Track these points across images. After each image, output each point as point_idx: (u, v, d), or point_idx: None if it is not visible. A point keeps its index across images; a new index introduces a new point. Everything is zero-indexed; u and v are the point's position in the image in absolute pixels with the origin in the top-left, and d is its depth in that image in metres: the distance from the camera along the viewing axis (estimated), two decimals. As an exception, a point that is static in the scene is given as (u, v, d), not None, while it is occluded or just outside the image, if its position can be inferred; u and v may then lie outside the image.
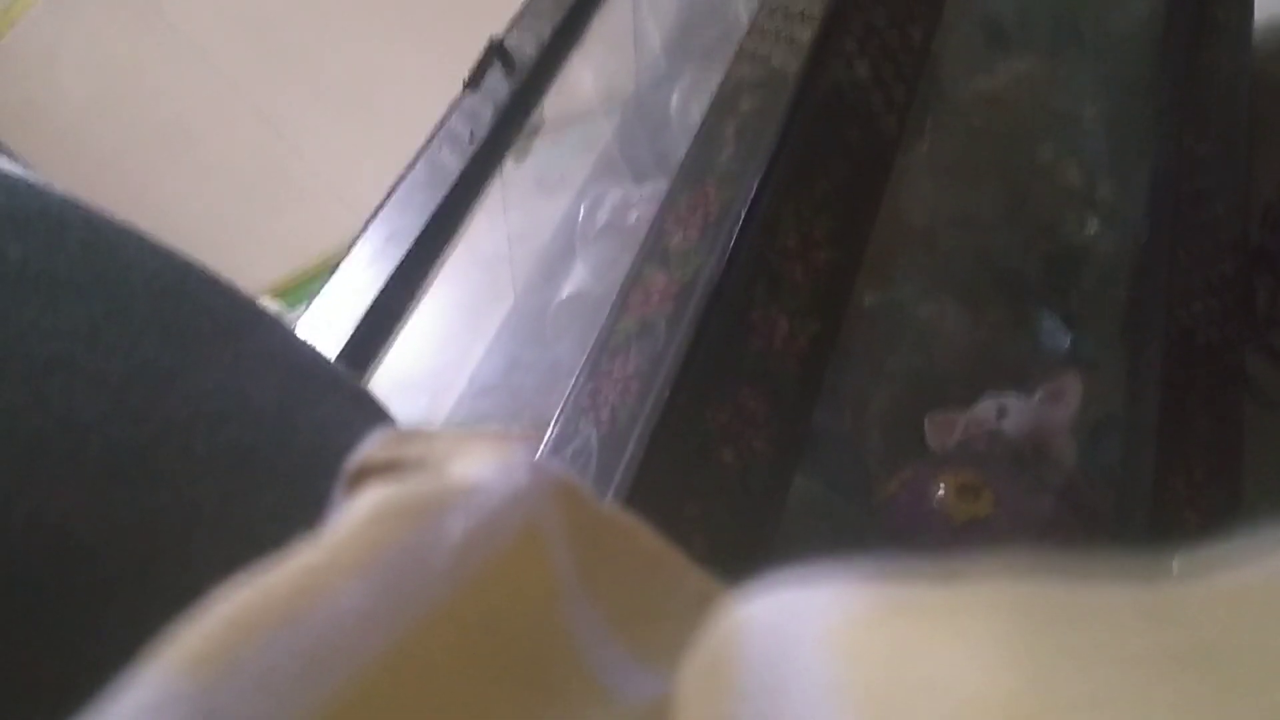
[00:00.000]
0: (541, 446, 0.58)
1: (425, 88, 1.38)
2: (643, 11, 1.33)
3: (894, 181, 0.72)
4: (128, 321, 0.29)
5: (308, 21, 2.51)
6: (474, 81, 1.13)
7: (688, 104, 1.06)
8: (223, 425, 0.29)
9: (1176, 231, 0.86)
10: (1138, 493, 0.73)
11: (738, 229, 0.60)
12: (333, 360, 0.83)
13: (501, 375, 0.92)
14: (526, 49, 1.15)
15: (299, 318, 0.99)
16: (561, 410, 0.59)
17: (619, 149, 1.18)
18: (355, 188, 1.59)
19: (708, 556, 0.51)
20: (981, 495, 0.68)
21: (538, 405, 0.77)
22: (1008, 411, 0.74)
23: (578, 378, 0.60)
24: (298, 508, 0.28)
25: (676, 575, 0.29)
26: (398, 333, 0.91)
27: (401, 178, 1.10)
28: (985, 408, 0.75)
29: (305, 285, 2.81)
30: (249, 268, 2.74)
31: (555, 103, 1.13)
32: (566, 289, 0.96)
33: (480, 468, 0.25)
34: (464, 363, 0.95)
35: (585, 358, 0.61)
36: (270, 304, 2.69)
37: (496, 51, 1.15)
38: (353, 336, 0.89)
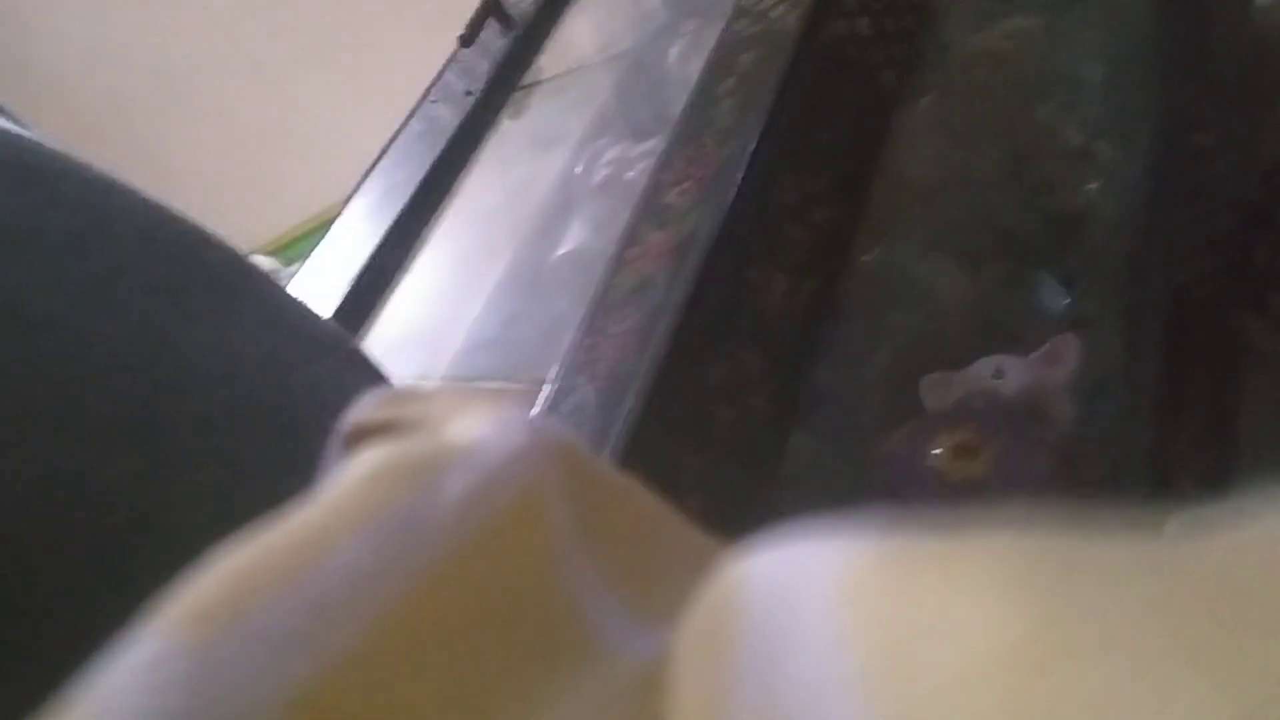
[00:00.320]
0: (539, 402, 0.58)
1: (423, 43, 1.37)
2: (641, -35, 1.32)
3: (893, 138, 0.72)
4: (120, 279, 0.29)
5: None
6: (470, 37, 1.12)
7: (687, 59, 1.05)
8: (216, 384, 0.29)
9: (1176, 190, 0.85)
10: (1135, 452, 0.73)
11: (736, 186, 0.60)
12: (328, 317, 0.83)
13: (498, 331, 0.92)
14: (523, 4, 1.14)
15: (296, 273, 0.99)
16: (559, 366, 0.59)
17: (617, 104, 1.17)
18: (353, 143, 1.59)
19: (704, 512, 0.51)
20: (978, 455, 0.68)
21: (535, 361, 0.77)
22: (1005, 371, 0.74)
23: (575, 334, 0.60)
24: (292, 466, 0.28)
25: (675, 535, 0.29)
26: (394, 288, 0.91)
27: (398, 133, 1.09)
28: (982, 366, 0.75)
29: (302, 240, 2.81)
30: (246, 222, 2.73)
31: (552, 58, 1.13)
32: (564, 245, 0.95)
33: (478, 427, 0.25)
34: (461, 318, 0.95)
35: (583, 314, 0.60)
36: (267, 259, 2.68)
37: (492, 7, 1.14)
38: (349, 292, 0.88)
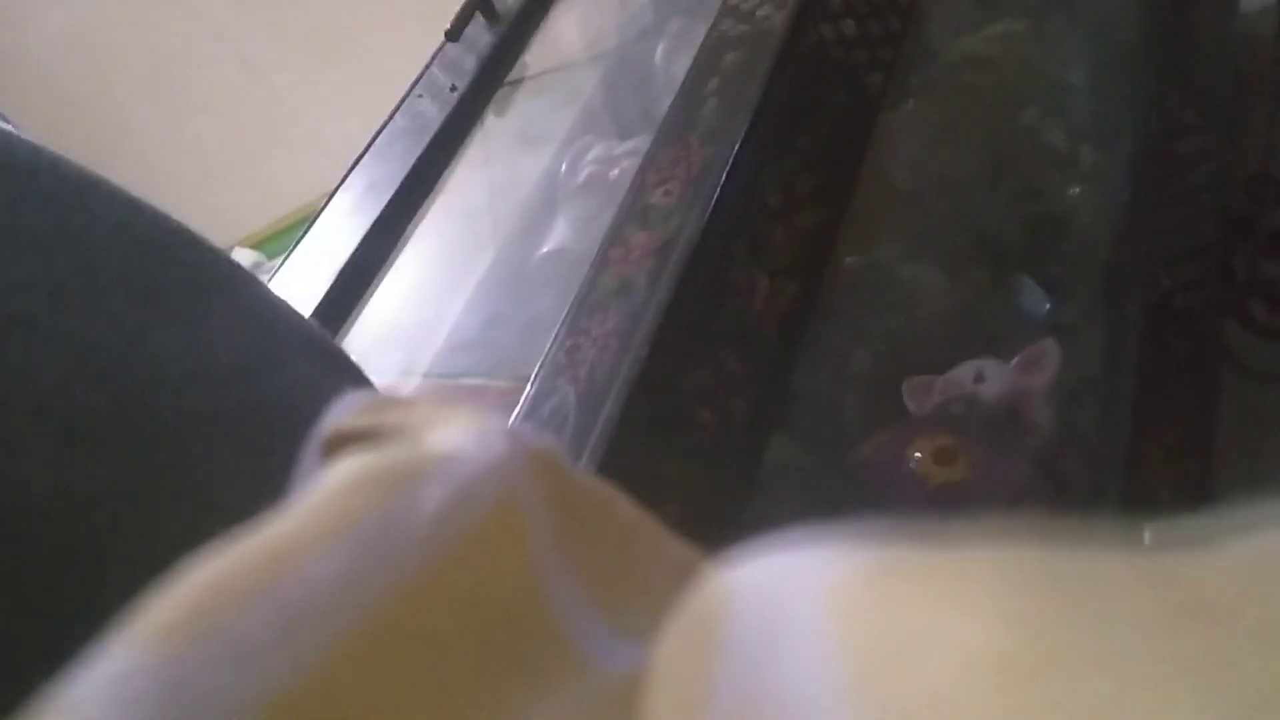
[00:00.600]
0: (519, 404, 0.57)
1: (408, 37, 1.37)
2: (628, -37, 1.32)
3: (877, 141, 0.72)
4: (93, 277, 0.28)
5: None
6: (455, 32, 1.12)
7: (672, 58, 1.05)
8: (189, 387, 0.28)
9: (1158, 197, 0.86)
10: (1112, 459, 0.73)
11: (719, 187, 0.60)
12: (309, 313, 0.83)
13: (480, 330, 0.92)
14: (509, 0, 1.14)
15: (279, 267, 0.99)
16: (540, 368, 0.59)
17: (602, 102, 1.17)
18: (336, 137, 1.58)
19: (684, 516, 0.51)
20: (957, 459, 0.68)
21: (516, 360, 0.77)
22: (985, 376, 0.74)
23: (556, 335, 0.60)
24: (266, 472, 0.27)
25: (654, 545, 0.29)
26: (376, 285, 0.91)
27: (382, 128, 1.09)
28: (963, 371, 0.75)
29: (284, 235, 2.80)
30: (228, 216, 2.72)
31: (538, 55, 1.12)
32: (547, 244, 0.95)
33: (457, 436, 0.25)
34: (443, 315, 0.94)
35: (564, 315, 0.60)
36: (250, 253, 2.67)
37: (479, 3, 1.14)
38: (331, 288, 0.88)
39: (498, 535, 0.23)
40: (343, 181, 1.05)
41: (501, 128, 1.09)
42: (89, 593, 0.22)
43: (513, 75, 1.09)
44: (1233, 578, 0.14)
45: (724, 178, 0.60)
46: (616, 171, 0.95)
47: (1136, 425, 0.73)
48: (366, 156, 1.06)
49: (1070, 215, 0.90)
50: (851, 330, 0.80)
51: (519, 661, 0.22)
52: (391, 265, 0.93)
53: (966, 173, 0.91)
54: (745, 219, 0.60)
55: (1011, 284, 0.86)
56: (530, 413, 0.56)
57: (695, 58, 0.73)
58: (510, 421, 0.52)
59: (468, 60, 1.09)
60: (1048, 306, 0.85)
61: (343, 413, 0.27)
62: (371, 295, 0.90)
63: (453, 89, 1.05)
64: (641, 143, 0.90)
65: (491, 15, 1.13)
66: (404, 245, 0.94)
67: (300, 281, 0.92)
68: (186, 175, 2.70)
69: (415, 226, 0.96)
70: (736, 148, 0.62)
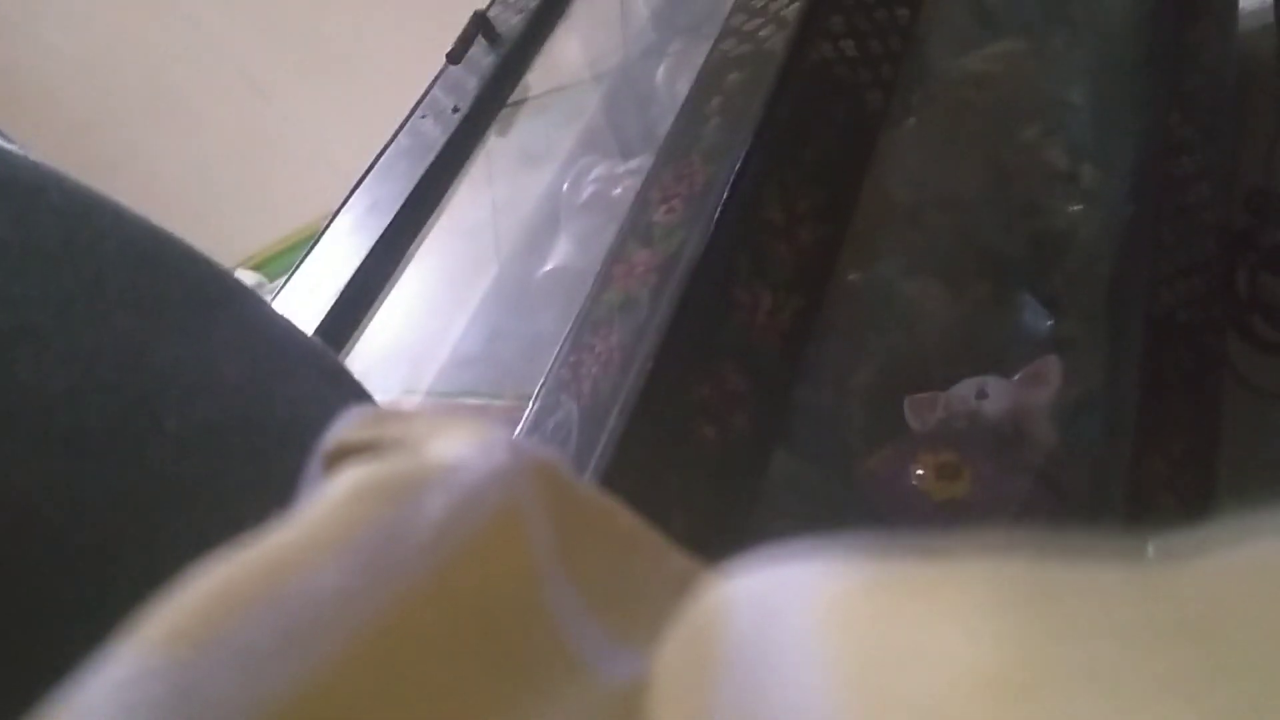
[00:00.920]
0: (523, 419, 0.58)
1: (411, 58, 1.37)
2: (630, -16, 1.33)
3: (879, 159, 0.72)
4: (99, 292, 0.29)
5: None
6: (457, 54, 1.12)
7: (674, 78, 1.05)
8: (195, 400, 0.29)
9: (1160, 212, 0.86)
10: (1116, 474, 0.73)
11: (722, 203, 0.60)
12: (312, 332, 0.83)
13: (483, 346, 0.92)
14: (511, 22, 1.14)
15: (280, 287, 0.99)
16: (543, 383, 0.59)
17: (604, 122, 1.18)
18: (338, 159, 1.59)
19: (687, 530, 0.51)
20: (960, 475, 0.68)
21: (519, 377, 0.77)
22: (987, 392, 0.74)
23: (560, 350, 0.60)
24: (270, 484, 0.28)
25: (656, 556, 0.29)
26: (380, 303, 0.91)
27: (385, 148, 1.09)
28: (965, 387, 0.75)
29: (286, 255, 2.80)
30: (230, 237, 2.72)
31: (540, 76, 1.13)
32: (550, 261, 0.95)
33: (459, 447, 0.25)
34: (446, 333, 0.95)
35: (568, 331, 0.60)
36: (250, 275, 2.68)
37: (480, 24, 1.14)
38: (334, 306, 0.88)
39: (500, 544, 0.23)
40: (345, 201, 1.05)
41: (504, 148, 1.10)
42: (96, 601, 0.22)
43: (515, 96, 1.10)
44: (1223, 590, 0.14)
45: (726, 194, 0.61)
46: (619, 190, 0.95)
47: (1139, 440, 0.73)
48: (369, 176, 1.07)
49: (1071, 232, 0.90)
50: (854, 346, 0.80)
51: (521, 669, 0.22)
52: (394, 284, 0.93)
53: (968, 190, 0.91)
54: (748, 235, 0.61)
55: (1013, 300, 0.86)
56: (534, 428, 0.56)
57: (697, 77, 0.73)
58: (513, 434, 0.52)
59: (470, 81, 1.09)
60: (1049, 322, 0.85)
61: (344, 426, 0.27)
62: (374, 314, 0.91)
63: (455, 110, 1.06)
64: (644, 162, 0.90)
65: (493, 37, 1.13)
66: (407, 264, 0.95)
67: (303, 300, 0.92)
68: (188, 196, 2.71)
69: (418, 246, 0.96)
70: (739, 165, 0.62)
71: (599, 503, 0.29)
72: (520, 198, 1.11)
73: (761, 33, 0.72)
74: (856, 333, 0.80)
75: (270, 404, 0.31)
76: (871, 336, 0.82)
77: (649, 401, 0.53)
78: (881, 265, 0.84)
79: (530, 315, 0.93)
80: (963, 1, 1.03)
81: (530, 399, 0.59)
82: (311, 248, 1.02)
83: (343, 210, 1.03)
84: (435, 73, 1.16)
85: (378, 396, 0.43)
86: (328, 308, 0.88)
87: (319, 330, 0.86)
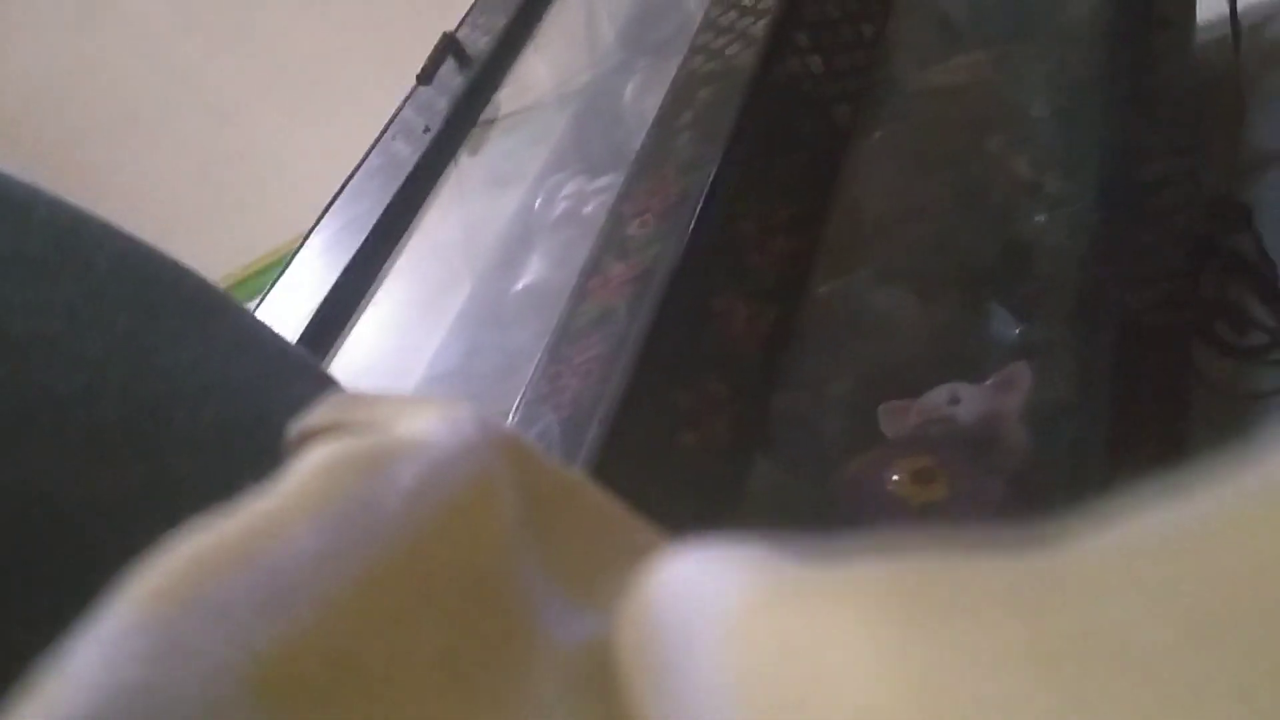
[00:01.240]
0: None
1: (379, 81, 1.38)
2: (596, 5, 1.34)
3: (848, 171, 0.73)
4: (102, 299, 0.29)
5: (261, 11, 2.49)
6: (427, 75, 1.13)
7: (641, 96, 1.06)
8: (204, 401, 0.29)
9: (1124, 220, 0.87)
10: (1089, 477, 0.74)
11: (696, 215, 0.61)
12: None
13: (459, 362, 0.92)
14: (480, 42, 1.15)
15: (255, 308, 0.99)
16: (523, 395, 0.59)
17: (573, 140, 1.18)
18: (308, 181, 1.58)
19: (669, 538, 0.52)
20: (936, 480, 0.69)
21: (496, 392, 0.77)
22: (961, 398, 0.75)
23: (538, 364, 0.60)
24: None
25: (621, 527, 0.29)
26: (354, 322, 0.91)
27: (356, 169, 1.09)
28: (938, 394, 0.76)
29: (258, 278, 2.79)
30: (203, 259, 2.69)
31: (510, 95, 1.13)
32: (523, 279, 0.96)
33: (427, 423, 0.26)
34: (421, 351, 0.95)
35: (546, 343, 0.61)
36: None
37: (450, 46, 1.15)
38: (309, 326, 0.88)
39: (470, 514, 0.24)
40: (318, 222, 1.05)
41: (475, 167, 1.10)
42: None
43: (485, 115, 1.10)
44: (1101, 590, 0.14)
45: (700, 207, 0.61)
46: (590, 208, 0.96)
47: (1110, 442, 0.74)
48: (341, 197, 1.07)
49: (1039, 240, 0.91)
50: (829, 356, 0.80)
51: (486, 635, 0.23)
52: (368, 303, 0.93)
53: (936, 201, 0.92)
54: (722, 246, 0.61)
55: (983, 308, 0.87)
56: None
57: (668, 93, 0.74)
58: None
59: (440, 102, 1.10)
60: (1019, 329, 0.86)
61: (314, 413, 0.28)
62: (349, 333, 0.91)
63: (426, 130, 1.06)
64: (614, 179, 0.91)
65: (462, 58, 1.14)
66: (380, 283, 0.95)
67: (277, 320, 0.92)
68: (157, 220, 2.68)
69: (391, 265, 0.96)
70: (712, 178, 0.63)
71: (565, 477, 0.29)
72: (492, 216, 1.12)
73: (729, 50, 0.73)
74: (831, 343, 0.81)
75: (272, 407, 0.31)
76: (846, 346, 0.82)
77: (629, 411, 0.53)
78: (853, 277, 0.85)
79: (505, 332, 0.93)
80: (926, 16, 1.04)
81: (508, 415, 0.59)
82: (284, 269, 1.02)
83: (315, 231, 1.03)
84: (404, 94, 1.17)
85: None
86: (302, 328, 0.88)
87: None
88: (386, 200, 0.98)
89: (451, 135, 1.05)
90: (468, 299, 1.03)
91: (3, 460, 0.25)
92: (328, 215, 1.05)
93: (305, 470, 0.23)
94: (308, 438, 0.27)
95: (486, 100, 1.10)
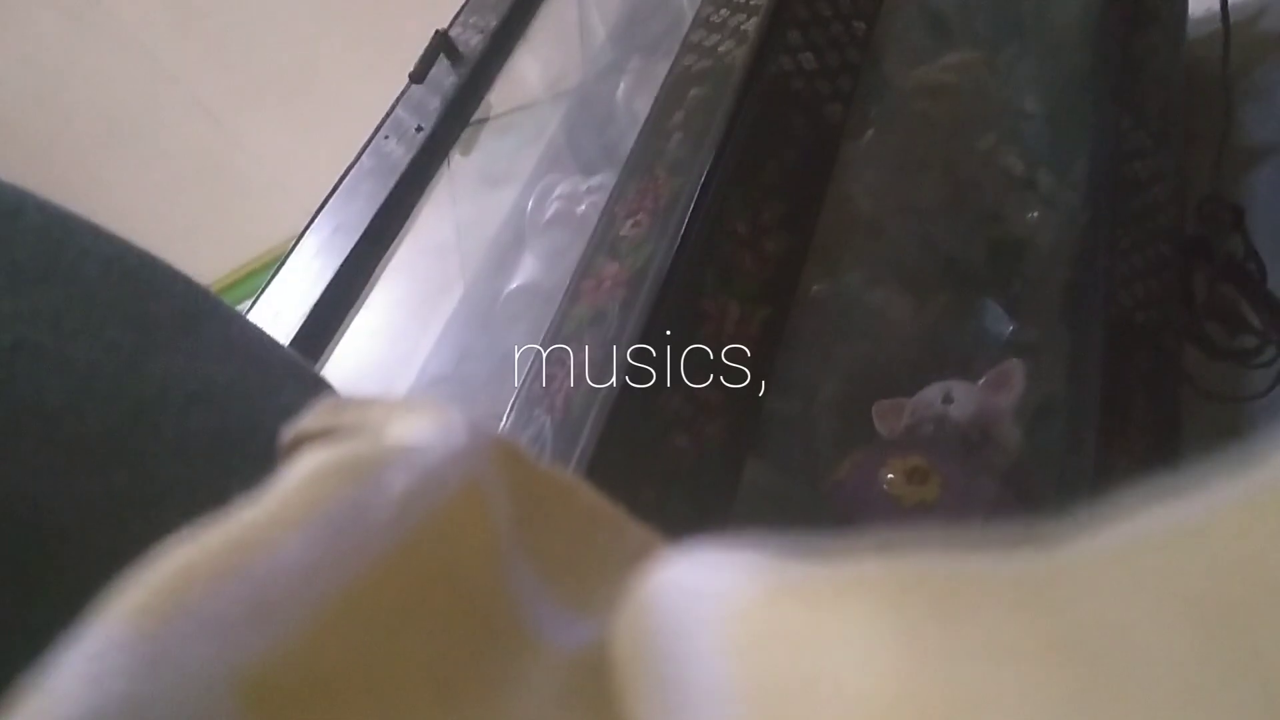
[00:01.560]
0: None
1: (370, 80, 1.37)
2: (588, 4, 1.34)
3: (840, 170, 0.73)
4: (90, 306, 0.29)
5: (251, 12, 2.49)
6: (419, 74, 1.13)
7: (633, 96, 1.06)
8: (191, 408, 0.29)
9: (1115, 216, 0.87)
10: (1080, 474, 0.74)
11: (687, 216, 0.61)
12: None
13: (452, 365, 0.92)
14: (472, 41, 1.15)
15: (247, 311, 0.99)
16: (515, 398, 0.59)
17: (565, 140, 1.18)
18: (299, 183, 1.58)
19: (662, 540, 0.52)
20: (929, 479, 0.69)
21: (489, 395, 0.77)
22: (953, 397, 0.75)
23: (531, 365, 0.60)
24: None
25: (616, 530, 0.29)
26: (347, 325, 0.91)
27: (348, 170, 1.09)
28: (931, 392, 0.76)
29: (249, 280, 2.79)
30: (194, 262, 2.69)
31: (501, 94, 1.13)
32: (516, 279, 0.96)
33: (418, 429, 0.26)
34: (414, 354, 0.95)
35: (539, 344, 0.61)
36: (213, 300, 2.65)
37: (442, 44, 1.15)
38: (301, 328, 0.88)
39: (461, 521, 0.24)
40: (310, 223, 1.05)
41: (467, 167, 1.10)
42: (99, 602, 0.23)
43: (477, 115, 1.10)
44: (1103, 588, 0.14)
45: (692, 207, 0.61)
46: (582, 208, 0.96)
47: (1102, 440, 0.75)
48: (333, 198, 1.07)
49: (1030, 238, 0.91)
50: (821, 356, 0.81)
51: (479, 643, 0.23)
52: (361, 305, 0.93)
53: (927, 199, 0.92)
54: (714, 247, 0.61)
55: (975, 306, 0.87)
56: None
57: (659, 93, 0.74)
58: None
59: (432, 101, 1.10)
60: (1011, 327, 0.86)
61: (305, 418, 0.27)
62: (342, 335, 0.90)
63: (418, 129, 1.06)
64: (606, 179, 0.91)
65: (455, 57, 1.14)
66: (373, 285, 0.95)
67: (269, 323, 0.92)
68: (148, 224, 2.67)
69: (384, 267, 0.96)
70: (703, 178, 0.63)
71: (558, 480, 0.29)
72: (484, 217, 1.11)
73: (721, 48, 0.73)
74: (823, 343, 0.81)
75: (262, 413, 0.31)
76: (838, 346, 0.83)
77: (622, 413, 0.53)
78: (845, 276, 0.85)
79: (498, 333, 0.93)
80: (917, 14, 1.04)
81: (501, 417, 0.59)
82: (277, 271, 1.02)
83: (308, 232, 1.03)
84: (395, 94, 1.17)
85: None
86: (295, 331, 0.88)
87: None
88: (379, 201, 0.98)
89: (444, 135, 1.05)
90: (460, 301, 1.03)
91: None
92: (320, 216, 1.05)
93: (294, 479, 0.23)
94: (300, 443, 0.27)
95: (479, 100, 1.10)
